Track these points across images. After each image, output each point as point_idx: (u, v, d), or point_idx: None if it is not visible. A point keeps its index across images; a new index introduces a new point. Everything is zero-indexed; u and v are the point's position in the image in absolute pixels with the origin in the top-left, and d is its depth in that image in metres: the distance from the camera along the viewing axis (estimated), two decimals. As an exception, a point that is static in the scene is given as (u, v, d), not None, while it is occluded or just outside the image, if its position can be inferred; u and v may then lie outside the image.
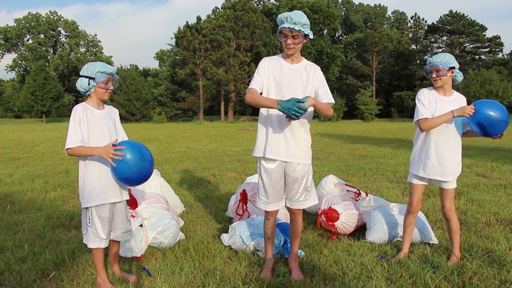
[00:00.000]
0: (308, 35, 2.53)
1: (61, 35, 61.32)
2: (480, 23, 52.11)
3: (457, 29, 52.03)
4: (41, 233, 3.65)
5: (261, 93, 2.66)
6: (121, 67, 58.28)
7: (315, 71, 2.63)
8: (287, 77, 2.61)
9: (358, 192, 3.87)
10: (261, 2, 59.84)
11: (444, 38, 54.55)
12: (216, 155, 9.99)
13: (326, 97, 2.58)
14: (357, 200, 3.79)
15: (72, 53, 59.99)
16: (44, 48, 58.84)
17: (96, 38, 63.59)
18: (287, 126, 2.59)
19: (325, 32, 56.09)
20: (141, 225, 3.18)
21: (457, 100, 2.82)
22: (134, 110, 47.03)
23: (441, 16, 54.46)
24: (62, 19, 60.90)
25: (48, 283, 2.65)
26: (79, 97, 53.47)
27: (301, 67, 2.64)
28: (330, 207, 3.61)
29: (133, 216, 3.25)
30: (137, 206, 3.60)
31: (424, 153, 2.86)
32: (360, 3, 72.01)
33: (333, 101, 2.61)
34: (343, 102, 45.79)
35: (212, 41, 45.42)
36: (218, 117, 51.22)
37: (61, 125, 36.36)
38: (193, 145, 13.20)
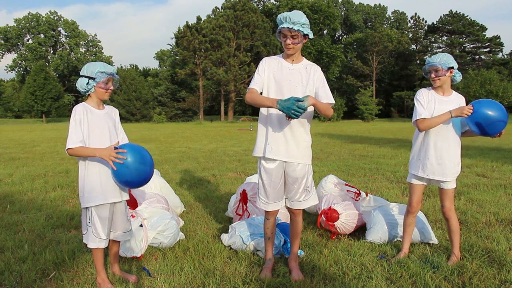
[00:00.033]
0: (307, 34, 2.53)
1: (61, 35, 61.37)
2: (480, 23, 52.14)
3: (457, 29, 52.05)
4: (41, 233, 3.65)
5: (261, 93, 2.66)
6: (121, 67, 58.32)
7: (315, 71, 2.63)
8: (287, 77, 2.61)
9: (358, 192, 3.87)
10: (261, 2, 59.85)
11: (444, 38, 54.57)
12: (216, 155, 9.99)
13: (326, 97, 2.57)
14: (357, 200, 3.79)
15: (72, 53, 60.01)
16: (44, 48, 58.86)
17: (96, 38, 63.66)
18: (287, 126, 2.59)
19: (325, 32, 56.12)
20: (141, 225, 3.18)
21: (456, 100, 2.83)
22: (134, 110, 47.04)
23: (441, 16, 54.53)
24: (62, 19, 60.93)
25: (48, 283, 2.65)
26: (79, 97, 53.47)
27: (302, 67, 2.64)
28: (330, 207, 3.61)
29: (133, 216, 3.25)
30: (137, 206, 3.60)
31: (423, 153, 2.86)
32: (360, 3, 72.07)
33: (333, 101, 2.60)
34: (343, 102, 45.80)
35: (212, 41, 45.43)
36: (218, 117, 51.23)
37: (61, 125, 36.37)
38: (193, 145, 13.20)
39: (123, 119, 42.18)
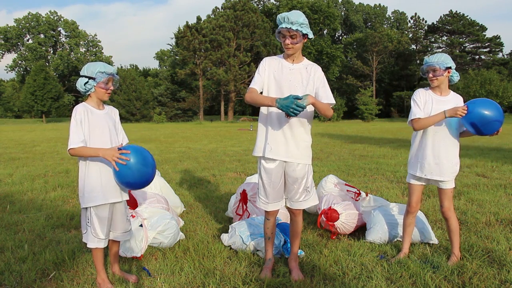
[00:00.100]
0: (307, 34, 2.53)
1: (61, 35, 61.37)
2: (480, 23, 52.13)
3: (457, 29, 52.04)
4: (41, 233, 3.65)
5: (261, 93, 2.66)
6: (121, 67, 58.34)
7: (316, 71, 2.63)
8: (287, 77, 2.61)
9: (358, 192, 3.87)
10: (261, 2, 59.84)
11: (444, 38, 54.57)
12: (216, 155, 9.99)
13: (326, 97, 2.57)
14: (357, 200, 3.79)
15: (72, 53, 60.01)
16: (44, 48, 58.86)
17: (96, 38, 63.67)
18: (287, 126, 2.59)
19: (325, 32, 56.11)
20: (141, 225, 3.18)
21: (454, 100, 2.83)
22: (134, 110, 47.04)
23: (441, 16, 54.52)
24: (62, 19, 60.93)
25: (48, 283, 2.65)
26: (79, 97, 53.50)
27: (302, 67, 2.64)
28: (330, 207, 3.61)
29: (133, 216, 3.25)
30: (137, 206, 3.60)
31: (421, 153, 2.87)
32: (360, 3, 72.06)
33: (334, 102, 2.59)
34: (343, 102, 45.81)
35: (212, 41, 45.43)
36: (218, 117, 51.23)
37: (61, 125, 36.37)
38: (193, 145, 13.20)
39: (123, 119, 42.19)
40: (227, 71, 45.23)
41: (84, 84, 2.42)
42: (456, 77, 2.85)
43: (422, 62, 2.99)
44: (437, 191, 2.98)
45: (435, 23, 54.44)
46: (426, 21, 57.05)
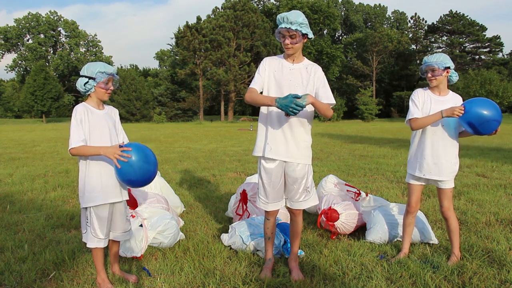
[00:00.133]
0: (306, 34, 2.53)
1: (61, 35, 61.37)
2: (480, 23, 52.14)
3: (457, 29, 52.05)
4: (41, 233, 3.65)
5: (261, 93, 2.66)
6: (121, 67, 58.34)
7: (316, 71, 2.63)
8: (287, 77, 2.61)
9: (358, 192, 3.87)
10: (261, 2, 59.84)
11: (444, 38, 54.58)
12: (216, 155, 9.99)
13: (327, 97, 2.57)
14: (357, 200, 3.79)
15: (72, 53, 60.00)
16: (44, 48, 58.86)
17: (96, 38, 63.65)
18: (287, 125, 2.59)
19: (325, 32, 56.11)
20: (141, 225, 3.18)
21: (453, 100, 2.83)
22: (134, 110, 47.04)
23: (441, 16, 54.52)
24: (62, 19, 60.92)
25: (48, 283, 2.65)
26: (79, 97, 53.48)
27: (302, 67, 2.64)
28: (330, 207, 3.61)
29: (133, 216, 3.25)
30: (137, 206, 3.60)
31: (420, 153, 2.87)
32: (360, 3, 72.06)
33: (334, 102, 2.59)
34: (343, 102, 45.81)
35: (212, 41, 45.42)
36: (218, 117, 51.23)
37: (61, 125, 36.37)
38: (193, 145, 13.20)
39: (123, 119, 42.18)
40: (227, 71, 45.23)
41: (84, 84, 2.41)
42: (455, 77, 2.85)
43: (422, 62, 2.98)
44: (437, 191, 2.98)
45: (435, 23, 54.45)
46: (426, 21, 57.11)
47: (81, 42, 61.57)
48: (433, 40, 54.92)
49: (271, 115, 2.62)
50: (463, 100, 2.81)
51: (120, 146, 2.35)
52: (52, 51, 60.89)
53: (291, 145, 2.60)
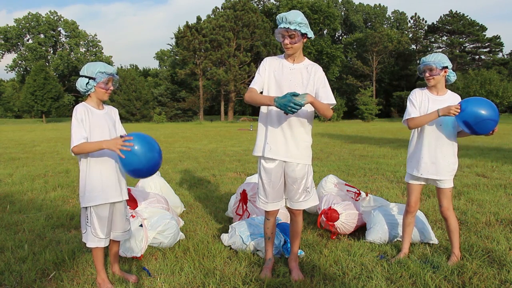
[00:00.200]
0: (306, 34, 2.52)
1: (61, 35, 61.34)
2: (480, 23, 52.11)
3: (457, 29, 52.03)
4: (41, 233, 3.65)
5: (261, 93, 2.66)
6: (121, 67, 58.33)
7: (316, 71, 2.62)
8: (287, 76, 2.61)
9: (358, 192, 3.87)
10: (261, 2, 59.83)
11: (444, 38, 54.56)
12: (216, 155, 9.99)
13: (327, 97, 2.57)
14: (357, 200, 3.79)
15: (72, 53, 59.99)
16: (44, 48, 58.84)
17: (96, 38, 63.62)
18: (287, 125, 2.59)
19: (325, 32, 56.11)
20: (141, 225, 3.18)
21: (450, 100, 2.84)
22: (134, 110, 47.03)
23: (441, 16, 54.50)
24: (62, 19, 60.91)
25: (48, 283, 2.65)
26: (79, 97, 53.49)
27: (303, 67, 2.63)
28: (330, 207, 3.61)
29: (133, 216, 3.25)
30: (137, 206, 3.60)
31: (418, 153, 2.88)
32: (360, 3, 72.02)
33: (334, 102, 2.58)
34: (343, 102, 45.82)
35: (212, 41, 45.42)
36: (218, 117, 51.22)
37: (61, 125, 36.37)
38: (193, 145, 13.20)
39: (123, 119, 42.17)
40: (227, 71, 45.22)
41: (86, 85, 2.42)
42: (453, 76, 2.86)
43: (421, 62, 2.99)
44: (436, 191, 2.98)
45: (435, 23, 54.44)
46: (426, 21, 57.08)
47: (81, 42, 61.55)
48: (433, 40, 54.91)
49: (271, 115, 2.62)
50: None
51: (121, 137, 2.34)
52: (52, 51, 60.88)
53: (291, 145, 2.60)
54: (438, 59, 2.77)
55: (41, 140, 15.49)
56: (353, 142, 13.83)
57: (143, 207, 3.58)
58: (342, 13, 68.74)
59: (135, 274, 2.76)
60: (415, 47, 56.99)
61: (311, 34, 2.55)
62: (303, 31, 2.49)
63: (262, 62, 2.71)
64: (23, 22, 58.18)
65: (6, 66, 59.16)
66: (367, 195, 3.79)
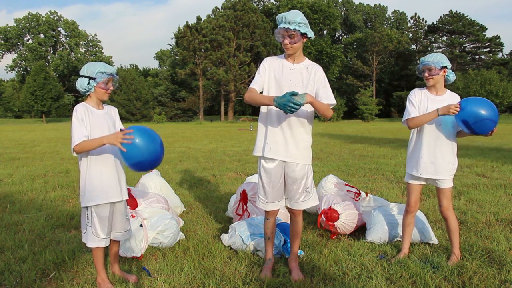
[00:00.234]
0: (306, 33, 2.52)
1: (61, 35, 61.32)
2: (480, 23, 52.09)
3: (457, 29, 52.02)
4: (41, 233, 3.65)
5: (261, 93, 2.66)
6: (121, 67, 58.32)
7: (317, 71, 2.62)
8: (287, 76, 2.61)
9: (358, 192, 3.87)
10: (261, 2, 59.83)
11: (444, 38, 54.55)
12: (216, 155, 9.99)
13: (327, 98, 2.56)
14: (357, 200, 3.79)
15: (72, 53, 59.97)
16: (44, 48, 58.83)
17: (96, 38, 63.59)
18: (287, 125, 2.59)
19: (325, 32, 56.10)
20: (141, 225, 3.18)
21: (450, 99, 2.84)
22: (134, 110, 47.03)
23: (441, 16, 54.48)
24: (62, 19, 60.89)
25: (48, 283, 2.65)
26: (79, 97, 53.48)
27: (303, 67, 2.63)
28: (330, 207, 3.61)
29: (133, 216, 3.25)
30: (137, 206, 3.60)
31: (417, 153, 2.88)
32: (360, 3, 72.02)
33: (334, 102, 2.58)
34: (343, 102, 45.83)
35: (212, 41, 45.41)
36: (218, 117, 51.22)
37: (61, 125, 36.36)
38: (193, 145, 13.20)
39: (123, 119, 41.88)
40: (227, 71, 45.22)
41: (86, 85, 2.41)
42: (452, 76, 2.86)
43: (421, 62, 2.99)
44: (436, 191, 2.98)
45: (435, 23, 54.42)
46: (426, 21, 57.07)
47: (81, 42, 61.52)
48: (433, 40, 54.90)
49: (271, 115, 2.62)
50: None
51: (121, 130, 2.33)
52: (52, 51, 60.86)
53: (291, 145, 2.60)
54: (437, 59, 2.78)
55: (41, 140, 15.49)
56: (353, 142, 13.83)
57: (143, 207, 3.58)
58: (342, 13, 68.75)
59: (135, 274, 2.76)
60: (415, 47, 56.99)
61: (311, 34, 2.55)
62: (302, 31, 2.49)
63: (262, 62, 2.71)
64: (23, 22, 58.17)
65: (6, 66, 59.19)
66: (367, 195, 3.79)
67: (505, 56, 55.03)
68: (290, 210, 2.79)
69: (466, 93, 37.99)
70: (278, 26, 2.51)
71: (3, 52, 59.41)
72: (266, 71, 2.65)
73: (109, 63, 58.08)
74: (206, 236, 3.56)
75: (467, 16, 52.60)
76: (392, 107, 55.57)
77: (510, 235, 3.46)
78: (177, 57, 51.52)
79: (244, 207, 3.90)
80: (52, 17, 59.86)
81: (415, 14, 58.92)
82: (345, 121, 44.25)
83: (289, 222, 3.05)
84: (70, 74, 58.70)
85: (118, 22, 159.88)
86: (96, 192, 2.42)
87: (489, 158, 8.54)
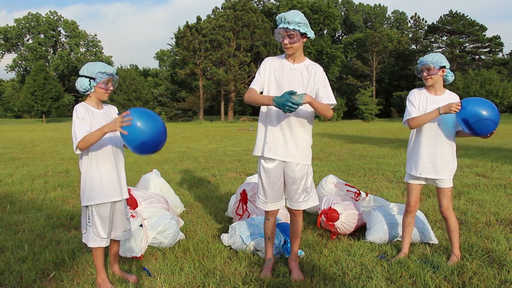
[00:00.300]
0: (305, 33, 2.52)
1: (61, 35, 61.31)
2: (480, 23, 52.09)
3: (457, 29, 52.02)
4: (41, 233, 3.65)
5: (261, 93, 2.66)
6: (121, 67, 58.30)
7: (317, 71, 2.62)
8: (288, 76, 2.61)
9: (358, 192, 3.87)
10: (261, 2, 59.82)
11: (444, 38, 54.55)
12: (216, 155, 9.99)
13: (327, 98, 2.56)
14: (357, 200, 3.79)
15: (72, 53, 59.96)
16: (44, 48, 58.83)
17: (96, 38, 63.58)
18: (287, 126, 2.59)
19: (325, 32, 56.10)
20: (141, 225, 3.18)
21: (449, 99, 2.84)
22: (134, 110, 46.96)
23: (441, 16, 54.47)
24: (62, 19, 60.88)
25: (48, 283, 2.65)
26: (79, 97, 53.48)
27: (303, 67, 2.63)
28: (330, 207, 3.61)
29: (133, 216, 3.25)
30: (137, 206, 3.60)
31: (416, 152, 2.89)
32: (360, 3, 72.02)
33: (334, 102, 2.57)
34: (343, 102, 45.83)
35: (212, 41, 45.41)
36: (218, 117, 51.22)
37: (61, 125, 36.36)
38: (193, 145, 13.20)
39: (123, 119, 41.99)
40: (227, 71, 45.22)
41: (87, 85, 2.41)
42: (450, 76, 2.87)
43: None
44: (436, 191, 2.98)
45: (435, 23, 54.42)
46: (426, 21, 57.06)
47: (81, 42, 61.51)
48: (433, 40, 54.90)
49: (271, 115, 2.62)
50: None
51: (119, 114, 2.31)
52: (52, 51, 60.85)
53: (290, 145, 2.60)
54: (436, 58, 2.78)
55: (41, 140, 15.48)
56: (353, 142, 13.83)
57: (143, 207, 3.58)
58: (342, 13, 68.74)
59: (135, 274, 2.76)
60: (415, 47, 56.98)
61: (310, 34, 2.55)
62: (302, 31, 2.49)
63: (262, 62, 2.71)
64: (23, 22, 58.17)
65: (6, 66, 59.19)
66: (367, 195, 3.79)
67: (505, 56, 55.03)
68: (290, 210, 2.79)
69: (466, 93, 37.99)
70: (278, 26, 2.52)
71: (3, 52, 59.42)
72: (266, 71, 2.65)
73: (109, 63, 58.11)
74: (206, 236, 3.56)
75: (467, 16, 52.61)
76: (392, 107, 55.57)
77: (510, 235, 3.46)
78: (177, 57, 51.52)
79: (244, 207, 3.90)
80: (52, 17, 59.85)
81: (415, 14, 58.94)
82: (345, 121, 44.26)
83: (289, 222, 3.05)
84: (70, 74, 58.69)
85: (118, 22, 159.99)
86: (96, 191, 2.42)
87: (489, 158, 8.54)
